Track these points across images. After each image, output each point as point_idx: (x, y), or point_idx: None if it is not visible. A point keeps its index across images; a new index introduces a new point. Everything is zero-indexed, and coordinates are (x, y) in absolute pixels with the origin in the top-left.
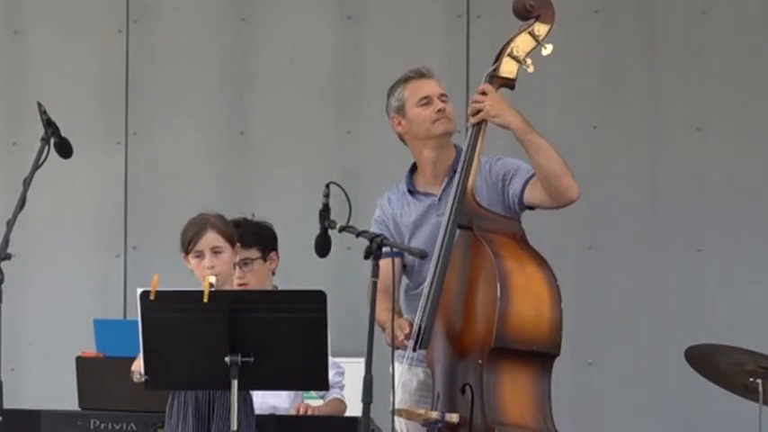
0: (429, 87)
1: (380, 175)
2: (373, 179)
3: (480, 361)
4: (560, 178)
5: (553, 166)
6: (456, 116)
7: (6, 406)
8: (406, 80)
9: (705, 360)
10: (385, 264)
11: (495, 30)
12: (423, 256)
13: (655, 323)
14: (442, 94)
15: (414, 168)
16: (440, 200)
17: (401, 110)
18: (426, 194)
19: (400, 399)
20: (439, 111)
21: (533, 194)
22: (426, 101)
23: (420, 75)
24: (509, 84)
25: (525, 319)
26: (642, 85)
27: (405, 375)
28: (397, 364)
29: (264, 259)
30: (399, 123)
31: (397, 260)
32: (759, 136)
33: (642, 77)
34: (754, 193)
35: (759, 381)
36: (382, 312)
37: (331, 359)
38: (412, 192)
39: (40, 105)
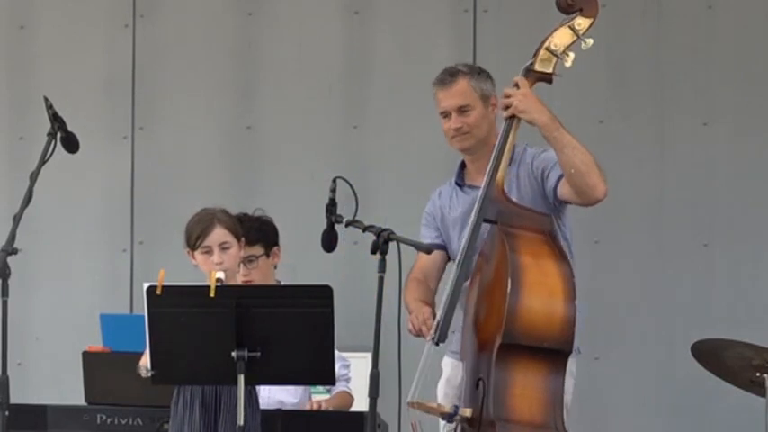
0: (447, 101)
1: (387, 169)
2: (380, 174)
3: (492, 356)
4: (584, 177)
5: (577, 164)
6: None
7: (13, 400)
8: (434, 85)
9: (711, 355)
10: (430, 255)
11: (502, 25)
12: (429, 251)
13: (661, 318)
14: (461, 107)
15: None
16: None
17: None
18: (472, 187)
19: (444, 393)
20: (455, 129)
21: (564, 191)
22: (445, 115)
23: (444, 81)
24: (546, 78)
25: (536, 315)
26: (649, 79)
27: (452, 370)
28: (446, 359)
29: (268, 255)
30: None
31: (442, 252)
32: (766, 130)
33: (649, 72)
34: (761, 187)
35: (765, 375)
36: (412, 301)
37: (336, 352)
38: (460, 185)
39: (46, 100)
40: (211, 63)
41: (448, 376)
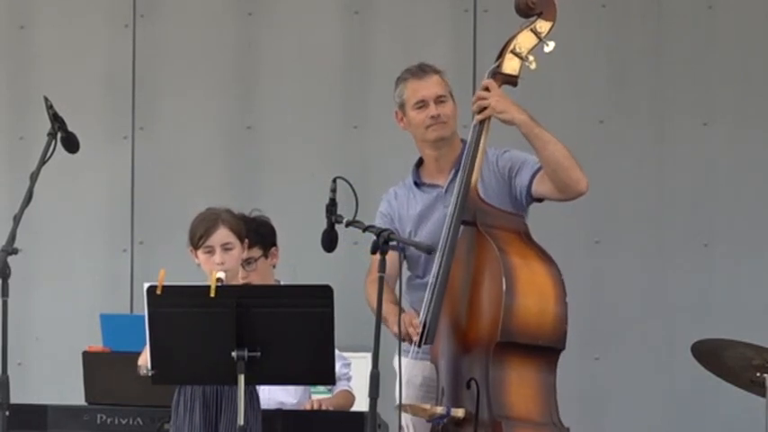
0: (426, 90)
1: (387, 169)
2: (380, 174)
3: (486, 355)
4: (568, 171)
5: (560, 159)
6: (461, 112)
7: (13, 400)
8: (405, 78)
9: (711, 355)
10: (390, 256)
11: (503, 25)
12: (430, 251)
13: (661, 318)
14: (440, 96)
15: (420, 161)
16: (446, 191)
17: (402, 107)
18: (433, 186)
19: (406, 395)
20: (433, 117)
21: (541, 187)
22: (422, 104)
23: (419, 74)
24: (512, 81)
25: (530, 313)
26: (649, 79)
27: (410, 371)
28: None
29: (266, 256)
30: (402, 119)
31: (398, 252)
32: (765, 130)
33: (649, 72)
34: (761, 187)
35: (765, 375)
36: (384, 303)
37: (336, 351)
38: (418, 184)
39: (46, 100)
40: (211, 63)
41: (408, 378)
